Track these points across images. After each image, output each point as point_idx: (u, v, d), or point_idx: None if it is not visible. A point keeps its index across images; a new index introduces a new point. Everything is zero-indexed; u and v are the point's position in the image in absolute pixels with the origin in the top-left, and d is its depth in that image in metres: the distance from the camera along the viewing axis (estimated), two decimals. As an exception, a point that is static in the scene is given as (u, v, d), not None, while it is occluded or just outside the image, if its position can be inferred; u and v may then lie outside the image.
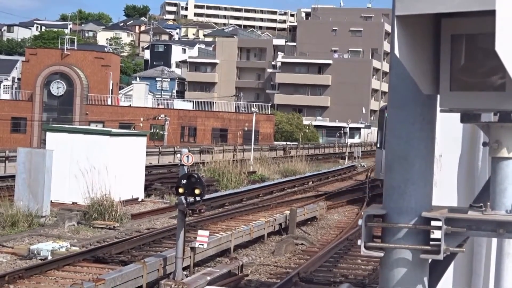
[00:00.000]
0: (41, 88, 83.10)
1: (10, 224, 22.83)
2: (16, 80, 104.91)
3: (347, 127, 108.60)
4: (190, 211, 17.55)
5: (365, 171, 55.69)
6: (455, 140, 4.99)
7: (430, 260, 4.10)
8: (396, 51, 3.70)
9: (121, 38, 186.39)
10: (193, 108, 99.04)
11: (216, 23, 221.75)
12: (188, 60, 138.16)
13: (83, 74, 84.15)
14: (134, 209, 28.48)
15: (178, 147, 60.96)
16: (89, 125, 65.57)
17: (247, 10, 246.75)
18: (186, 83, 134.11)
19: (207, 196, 22.28)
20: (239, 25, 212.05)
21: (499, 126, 3.93)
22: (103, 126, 65.34)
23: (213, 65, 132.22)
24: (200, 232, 18.70)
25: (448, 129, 4.72)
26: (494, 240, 4.90)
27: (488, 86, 3.81)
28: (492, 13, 3.36)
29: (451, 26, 3.88)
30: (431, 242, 4.02)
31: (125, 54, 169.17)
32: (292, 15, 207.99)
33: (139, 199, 31.58)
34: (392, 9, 3.84)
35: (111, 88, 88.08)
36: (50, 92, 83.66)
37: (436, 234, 3.97)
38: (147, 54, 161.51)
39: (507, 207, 3.99)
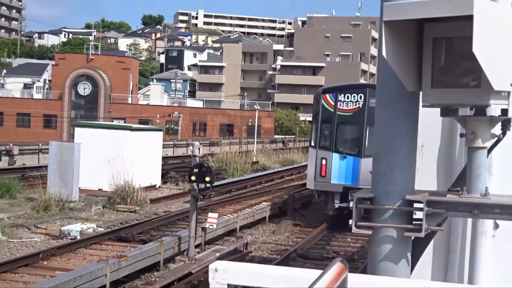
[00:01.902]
0: (69, 89, 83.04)
1: (44, 208, 22.89)
2: (47, 82, 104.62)
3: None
4: (201, 196, 17.87)
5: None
6: (435, 132, 4.96)
7: (412, 238, 4.09)
8: (384, 53, 3.69)
9: (139, 44, 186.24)
10: (203, 106, 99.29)
11: (223, 31, 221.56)
12: (199, 63, 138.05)
13: (106, 76, 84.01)
14: (152, 194, 28.44)
15: (190, 140, 60.80)
16: (112, 121, 65.42)
17: (250, 19, 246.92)
18: (197, 84, 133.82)
19: (216, 183, 22.44)
20: (243, 32, 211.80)
21: (475, 120, 3.91)
22: (124, 122, 65.11)
23: (221, 68, 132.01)
24: (210, 214, 18.78)
25: (429, 122, 4.70)
26: (470, 220, 4.88)
27: (465, 84, 3.80)
28: (470, 18, 3.34)
29: (433, 30, 3.86)
30: (413, 222, 4.01)
31: (143, 58, 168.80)
32: (289, 23, 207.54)
33: (157, 186, 31.56)
34: (380, 16, 3.82)
35: (131, 88, 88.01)
36: (77, 92, 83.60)
37: (418, 214, 3.96)
38: (162, 58, 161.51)
39: (481, 190, 3.98)
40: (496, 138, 4.02)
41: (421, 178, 4.69)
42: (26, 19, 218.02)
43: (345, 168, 22.56)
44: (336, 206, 22.39)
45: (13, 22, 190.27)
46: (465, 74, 3.74)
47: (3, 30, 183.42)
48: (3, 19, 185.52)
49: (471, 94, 3.77)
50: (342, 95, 22.90)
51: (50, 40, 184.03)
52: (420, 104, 4.09)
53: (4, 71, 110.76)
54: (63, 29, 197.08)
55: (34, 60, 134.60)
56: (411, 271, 4.25)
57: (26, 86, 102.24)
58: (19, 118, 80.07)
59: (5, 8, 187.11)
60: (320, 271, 2.91)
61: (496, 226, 4.79)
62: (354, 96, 22.61)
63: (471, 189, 4.00)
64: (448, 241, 4.93)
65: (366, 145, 22.08)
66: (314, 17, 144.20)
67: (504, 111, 3.78)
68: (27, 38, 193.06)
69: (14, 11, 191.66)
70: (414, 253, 4.25)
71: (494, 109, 3.77)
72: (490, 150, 4.06)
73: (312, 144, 24.25)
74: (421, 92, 4.02)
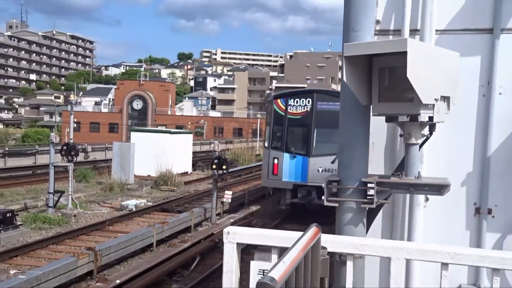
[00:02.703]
0: (127, 105, 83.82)
1: (109, 189, 23.03)
2: (111, 100, 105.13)
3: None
4: (220, 179, 18.39)
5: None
6: (382, 133, 4.92)
7: (367, 208, 4.06)
8: (345, 78, 3.66)
9: (175, 73, 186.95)
10: (221, 115, 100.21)
11: (234, 63, 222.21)
12: (218, 86, 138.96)
13: (153, 95, 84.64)
14: (185, 178, 28.35)
15: (212, 140, 60.97)
16: (157, 127, 65.55)
17: (253, 54, 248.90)
18: (216, 100, 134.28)
19: (230, 170, 22.19)
20: (249, 64, 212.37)
21: (410, 124, 3.88)
22: (166, 128, 65.27)
23: (233, 89, 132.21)
24: (226, 192, 18.81)
25: (378, 126, 4.67)
26: (408, 195, 4.84)
27: (402, 99, 3.78)
28: (404, 53, 3.32)
29: (378, 62, 3.83)
30: (367, 197, 3.98)
31: (178, 83, 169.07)
32: (281, 57, 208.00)
33: (189, 172, 31.60)
34: (342, 52, 3.79)
35: (170, 104, 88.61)
36: (132, 107, 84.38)
37: (371, 192, 3.93)
38: (192, 83, 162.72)
39: (415, 174, 3.95)
40: (425, 137, 3.99)
41: (372, 166, 4.66)
42: (96, 57, 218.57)
43: (295, 167, 18.43)
44: (288, 202, 18.70)
45: (87, 58, 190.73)
46: (402, 92, 3.71)
47: (80, 64, 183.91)
48: (80, 56, 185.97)
49: (406, 106, 3.74)
50: (292, 99, 18.75)
51: (113, 71, 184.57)
52: (371, 113, 4.05)
53: (81, 93, 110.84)
54: (122, 63, 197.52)
55: (101, 85, 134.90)
56: (366, 232, 4.22)
57: (96, 103, 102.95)
58: (91, 126, 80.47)
59: (82, 49, 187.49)
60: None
61: (427, 199, 4.76)
62: (303, 101, 18.58)
63: (408, 173, 3.98)
64: (393, 210, 4.89)
65: (314, 146, 18.16)
66: (298, 52, 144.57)
67: (430, 118, 3.76)
68: (96, 70, 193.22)
69: (87, 51, 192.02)
70: (368, 219, 4.21)
71: (423, 116, 3.74)
72: (421, 145, 4.04)
73: (266, 145, 19.50)
74: (371, 105, 3.98)
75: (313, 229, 3.03)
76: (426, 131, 3.97)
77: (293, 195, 18.43)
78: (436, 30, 4.58)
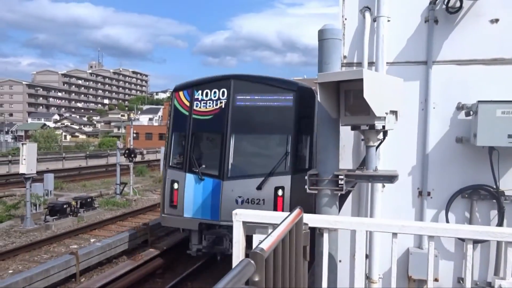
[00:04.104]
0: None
1: (159, 181, 22.97)
2: (160, 116, 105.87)
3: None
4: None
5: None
6: (350, 138, 4.84)
7: (339, 194, 3.99)
8: (319, 99, 3.60)
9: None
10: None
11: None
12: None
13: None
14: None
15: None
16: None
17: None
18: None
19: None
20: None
21: (368, 131, 3.80)
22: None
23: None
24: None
25: (347, 133, 4.60)
26: (370, 184, 4.77)
27: (362, 113, 3.69)
28: (361, 80, 3.26)
29: (344, 86, 3.76)
30: (339, 186, 3.91)
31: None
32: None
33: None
34: (317, 79, 3.73)
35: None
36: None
37: (341, 182, 3.86)
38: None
39: (373, 168, 3.87)
40: (380, 141, 3.92)
41: (343, 163, 4.59)
42: (150, 85, 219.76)
43: (202, 196, 8.50)
44: (194, 249, 8.67)
45: (143, 87, 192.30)
46: (362, 108, 3.63)
47: (138, 91, 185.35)
48: (138, 86, 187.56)
49: (365, 118, 3.67)
50: (200, 91, 8.87)
51: (161, 96, 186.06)
52: (340, 124, 3.99)
53: (139, 112, 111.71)
54: (168, 90, 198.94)
55: (154, 106, 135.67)
56: (339, 211, 4.15)
57: (150, 119, 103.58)
58: (146, 135, 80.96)
59: (139, 81, 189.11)
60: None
61: (383, 186, 4.67)
62: (215, 92, 8.65)
63: (368, 168, 3.90)
64: (359, 195, 4.80)
65: (231, 162, 8.27)
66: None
67: (383, 126, 3.68)
68: (150, 95, 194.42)
69: (144, 82, 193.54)
70: (340, 202, 4.14)
71: (378, 125, 3.66)
72: (377, 147, 3.95)
73: (163, 162, 9.29)
74: (340, 118, 3.92)
75: (296, 211, 2.98)
76: (380, 136, 3.89)
77: (201, 239, 8.67)
78: (387, 62, 4.51)
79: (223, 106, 8.38)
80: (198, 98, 8.62)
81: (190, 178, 8.49)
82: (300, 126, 8.03)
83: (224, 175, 8.15)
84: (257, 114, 8.14)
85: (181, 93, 8.92)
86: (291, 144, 7.90)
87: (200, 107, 8.59)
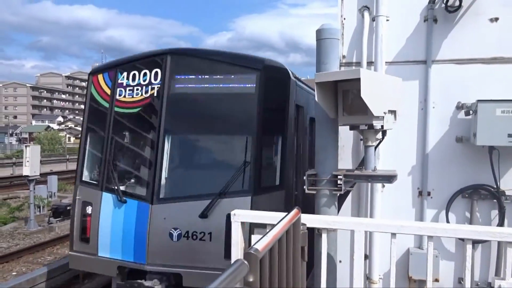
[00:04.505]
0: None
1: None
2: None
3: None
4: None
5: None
6: (349, 138, 4.83)
7: (338, 194, 3.98)
8: (316, 99, 3.59)
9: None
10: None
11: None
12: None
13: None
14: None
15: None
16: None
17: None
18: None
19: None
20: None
21: (367, 131, 3.79)
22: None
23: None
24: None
25: (346, 133, 4.59)
26: (369, 183, 4.75)
27: (360, 113, 3.68)
28: (359, 79, 3.25)
29: (342, 86, 3.75)
30: (337, 185, 3.89)
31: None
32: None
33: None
34: (315, 79, 3.73)
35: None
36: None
37: (340, 182, 3.85)
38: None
39: (372, 168, 3.85)
40: (379, 140, 3.90)
41: (342, 163, 4.58)
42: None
43: (124, 226, 5.04)
44: None
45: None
46: (359, 108, 3.62)
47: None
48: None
49: (363, 118, 3.65)
50: (125, 73, 5.43)
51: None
52: (339, 124, 3.98)
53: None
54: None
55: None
56: (338, 212, 4.14)
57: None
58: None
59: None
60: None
61: (383, 186, 4.65)
62: (145, 75, 5.29)
63: (367, 168, 3.88)
64: (359, 195, 4.79)
65: (166, 176, 5.16)
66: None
67: (382, 126, 3.66)
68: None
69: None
70: (339, 202, 4.12)
71: (376, 125, 3.64)
72: (376, 147, 3.93)
73: (76, 175, 5.67)
74: (338, 118, 3.91)
75: (294, 211, 2.97)
76: (379, 136, 3.87)
77: None
78: (386, 62, 4.50)
79: (155, 94, 5.41)
80: (122, 83, 5.65)
81: (107, 199, 5.41)
82: (267, 123, 5.20)
83: (154, 196, 5.16)
84: (204, 106, 5.25)
85: (100, 77, 5.88)
86: (253, 150, 5.09)
87: (124, 96, 5.60)
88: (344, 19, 4.62)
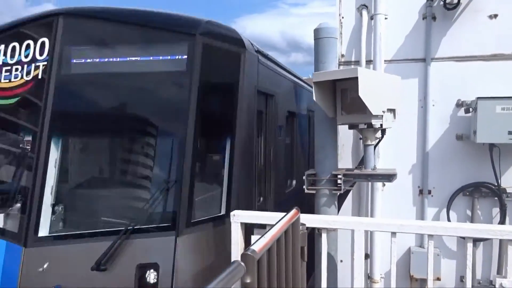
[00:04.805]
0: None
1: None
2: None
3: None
4: None
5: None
6: (349, 137, 4.81)
7: (338, 193, 3.96)
8: (314, 98, 3.58)
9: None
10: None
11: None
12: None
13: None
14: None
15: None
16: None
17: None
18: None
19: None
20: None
21: (366, 130, 3.77)
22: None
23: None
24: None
25: (345, 132, 4.58)
26: (370, 182, 4.74)
27: (359, 112, 3.67)
28: (357, 78, 3.23)
29: (340, 85, 3.74)
30: (337, 185, 3.88)
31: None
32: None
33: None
34: (313, 78, 3.71)
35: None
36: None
37: (339, 181, 3.83)
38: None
39: (371, 167, 3.84)
40: (378, 139, 3.89)
41: (341, 162, 4.57)
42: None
43: None
44: None
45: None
46: (358, 107, 3.61)
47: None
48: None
49: (362, 117, 3.63)
50: (3, 46, 3.30)
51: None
52: (337, 123, 3.96)
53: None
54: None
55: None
56: (338, 211, 4.13)
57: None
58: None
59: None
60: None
61: (384, 185, 4.63)
62: (28, 47, 3.11)
63: (366, 167, 3.87)
64: (359, 194, 4.77)
65: (50, 201, 3.22)
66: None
67: (381, 125, 3.65)
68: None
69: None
70: (339, 201, 4.12)
71: (375, 124, 3.62)
72: (376, 145, 3.92)
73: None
74: (336, 117, 3.89)
75: (293, 211, 2.95)
76: (379, 134, 3.86)
77: None
78: (385, 60, 4.48)
79: (39, 76, 3.69)
80: None
81: None
82: (206, 118, 3.51)
83: (29, 233, 3.47)
84: (112, 92, 3.58)
85: None
86: (182, 160, 3.39)
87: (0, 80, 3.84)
88: (343, 18, 4.60)
